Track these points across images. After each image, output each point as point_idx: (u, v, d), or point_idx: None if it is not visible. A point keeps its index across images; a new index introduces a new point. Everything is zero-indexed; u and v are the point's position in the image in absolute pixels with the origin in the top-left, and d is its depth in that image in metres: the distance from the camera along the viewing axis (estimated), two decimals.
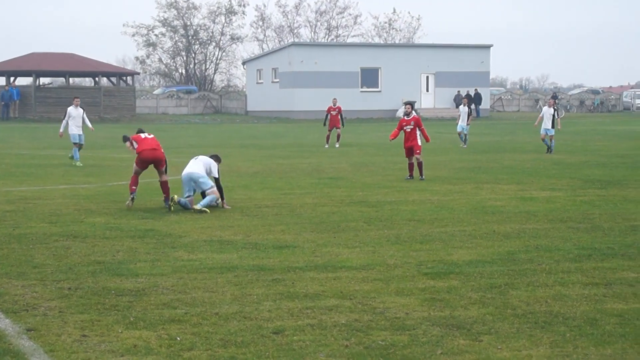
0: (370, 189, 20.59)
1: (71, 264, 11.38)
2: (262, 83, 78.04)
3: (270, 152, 34.55)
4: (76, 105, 28.71)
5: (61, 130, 28.75)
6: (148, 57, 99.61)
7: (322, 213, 16.31)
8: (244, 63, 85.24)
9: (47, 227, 14.53)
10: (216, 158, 17.60)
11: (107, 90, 71.13)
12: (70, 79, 75.03)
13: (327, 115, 38.04)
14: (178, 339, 7.97)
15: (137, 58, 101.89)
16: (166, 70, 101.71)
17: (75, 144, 28.29)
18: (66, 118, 28.52)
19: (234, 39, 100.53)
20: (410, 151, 22.69)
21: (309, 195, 19.19)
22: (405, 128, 22.92)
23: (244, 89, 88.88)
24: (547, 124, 32.49)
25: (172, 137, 45.89)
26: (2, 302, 9.29)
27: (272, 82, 75.78)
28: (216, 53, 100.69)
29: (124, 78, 74.88)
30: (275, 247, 12.68)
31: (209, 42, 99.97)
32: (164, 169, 17.35)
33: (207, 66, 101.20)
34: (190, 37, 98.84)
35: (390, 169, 25.89)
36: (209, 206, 16.54)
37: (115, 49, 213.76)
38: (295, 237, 13.62)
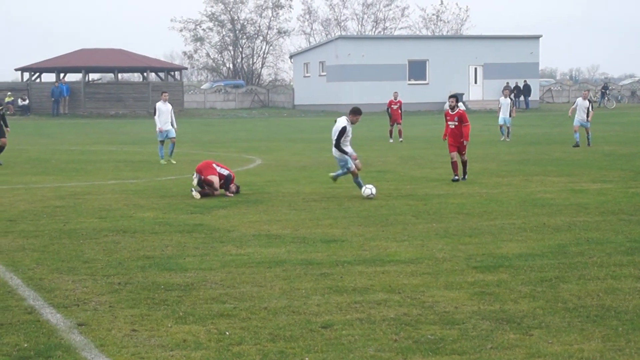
0: (418, 182, 20.50)
1: (121, 259, 11.47)
2: (309, 77, 78.08)
3: (318, 145, 34.54)
4: (164, 101, 27.19)
5: (159, 125, 26.74)
6: (196, 51, 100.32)
7: (370, 207, 16.26)
8: (291, 57, 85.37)
9: (97, 222, 14.67)
10: (350, 111, 17.99)
11: (155, 86, 71.72)
12: (119, 75, 75.79)
13: (388, 109, 37.48)
14: (227, 333, 7.99)
15: (184, 53, 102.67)
16: (214, 64, 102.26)
17: (161, 141, 26.97)
18: (157, 114, 26.94)
19: (281, 32, 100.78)
20: (454, 148, 20.48)
21: (357, 189, 19.13)
22: (449, 124, 20.74)
23: (291, 83, 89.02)
24: (582, 116, 31.71)
25: (221, 131, 46.18)
26: (53, 297, 9.39)
27: (320, 75, 75.79)
28: (263, 47, 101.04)
29: (172, 73, 75.45)
30: (323, 241, 12.66)
31: (256, 36, 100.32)
32: (211, 186, 18.01)
33: (255, 60, 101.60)
34: (237, 32, 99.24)
35: (438, 162, 25.75)
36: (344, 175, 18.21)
37: (163, 44, 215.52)
38: (343, 231, 13.60)
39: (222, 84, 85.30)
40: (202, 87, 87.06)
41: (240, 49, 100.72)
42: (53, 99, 67.03)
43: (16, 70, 73.90)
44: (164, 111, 26.97)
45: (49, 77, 73.47)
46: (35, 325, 8.27)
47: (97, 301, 9.20)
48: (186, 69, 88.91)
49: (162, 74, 75.13)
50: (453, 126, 20.72)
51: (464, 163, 20.63)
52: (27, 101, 67.61)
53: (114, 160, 28.31)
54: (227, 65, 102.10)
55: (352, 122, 17.79)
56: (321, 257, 11.45)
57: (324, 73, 74.91)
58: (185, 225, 14.19)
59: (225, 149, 33.45)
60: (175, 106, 70.57)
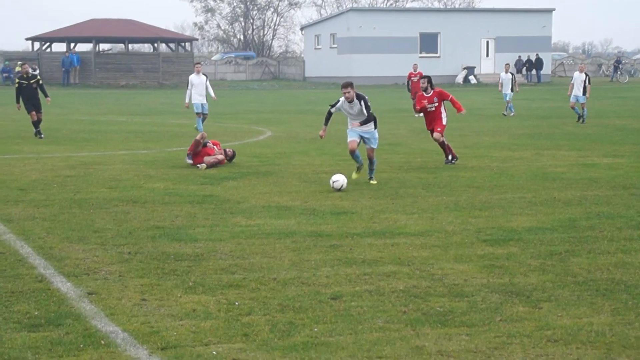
0: (429, 155, 20.45)
1: (131, 228, 11.50)
2: (320, 49, 77.80)
3: None
4: (198, 72, 26.24)
5: (187, 100, 26.24)
6: (206, 23, 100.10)
7: (380, 179, 16.23)
8: (302, 29, 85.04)
9: (107, 192, 14.70)
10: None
11: (165, 57, 71.60)
12: (130, 45, 75.65)
13: (408, 82, 36.81)
14: (236, 303, 8.00)
15: (195, 24, 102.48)
16: (224, 36, 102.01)
17: (198, 113, 26.16)
18: (189, 87, 26.06)
19: (292, 4, 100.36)
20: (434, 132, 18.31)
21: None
22: (428, 107, 18.29)
23: (302, 55, 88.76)
24: (577, 90, 30.70)
25: (231, 103, 46.11)
26: (64, 266, 9.42)
27: (330, 47, 75.50)
28: (274, 19, 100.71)
29: (183, 44, 75.26)
30: (333, 213, 12.66)
31: (267, 7, 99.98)
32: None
33: (265, 32, 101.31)
34: (248, 3, 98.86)
35: (448, 135, 25.63)
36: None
37: (173, 15, 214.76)
38: (353, 203, 13.59)
39: (233, 56, 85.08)
40: (212, 59, 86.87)
41: (251, 21, 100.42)
42: (63, 68, 67.01)
43: (27, 39, 73.83)
44: (198, 83, 26.01)
45: (59, 47, 73.38)
46: (46, 293, 8.30)
47: (107, 270, 9.23)
48: (197, 40, 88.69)
49: (172, 45, 74.95)
50: (433, 108, 18.29)
51: (442, 145, 18.38)
52: (37, 71, 67.49)
53: (125, 130, 28.32)
54: (238, 37, 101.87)
55: (346, 99, 15.53)
56: (331, 229, 11.45)
57: (335, 45, 74.61)
58: (195, 196, 14.20)
59: (236, 120, 33.42)
60: (186, 77, 70.57)
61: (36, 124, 25.12)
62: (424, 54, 72.03)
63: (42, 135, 25.00)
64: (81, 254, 10.02)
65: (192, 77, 26.22)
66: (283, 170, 17.56)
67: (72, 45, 71.07)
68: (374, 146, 16.01)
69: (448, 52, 72.22)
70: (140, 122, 32.79)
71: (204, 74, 26.52)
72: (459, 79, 71.22)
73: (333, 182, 14.95)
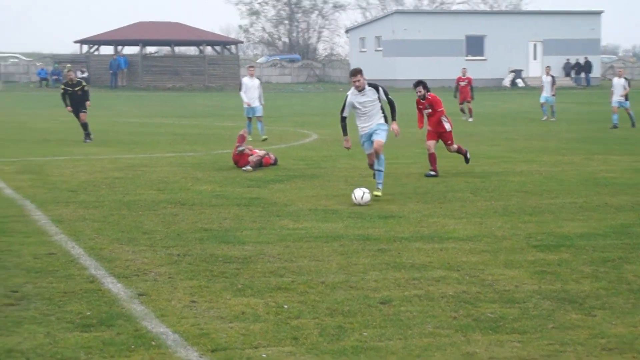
0: (476, 159, 20.25)
1: (179, 230, 11.54)
2: (365, 51, 77.74)
3: None
4: (251, 75, 25.99)
5: (245, 100, 25.57)
6: (251, 25, 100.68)
7: (428, 183, 16.15)
8: (347, 31, 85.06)
9: (156, 194, 14.78)
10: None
11: (211, 59, 72.06)
12: (176, 48, 76.23)
13: (456, 86, 36.19)
14: (285, 306, 7.98)
15: (240, 27, 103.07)
16: (269, 39, 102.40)
17: (249, 118, 25.75)
18: (242, 90, 25.68)
19: (337, 7, 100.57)
20: (432, 136, 17.51)
21: (414, 165, 19.04)
22: (425, 112, 17.77)
23: (347, 58, 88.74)
24: (618, 96, 30.20)
25: (276, 106, 46.23)
26: (114, 267, 9.48)
27: (376, 50, 75.42)
28: (319, 21, 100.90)
29: (228, 47, 75.68)
30: (380, 217, 12.60)
31: (312, 10, 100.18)
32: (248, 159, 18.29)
33: (310, 34, 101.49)
34: (293, 6, 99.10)
35: (496, 139, 25.49)
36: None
37: (219, 17, 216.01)
38: (400, 207, 13.51)
39: (278, 58, 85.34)
40: (258, 61, 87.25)
41: (296, 23, 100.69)
42: (111, 71, 67.77)
43: (75, 42, 74.76)
44: (251, 87, 25.61)
45: (107, 50, 74.25)
46: (97, 294, 8.36)
47: (157, 272, 9.27)
48: (242, 42, 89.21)
49: (218, 48, 75.39)
50: (430, 111, 17.65)
51: (458, 151, 17.79)
52: (86, 73, 68.33)
53: (171, 133, 28.51)
54: (283, 40, 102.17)
55: (356, 88, 14.23)
56: (378, 233, 11.39)
57: (380, 48, 74.52)
58: (242, 199, 14.23)
59: (281, 123, 33.49)
60: (231, 80, 71.13)
61: (84, 126, 25.03)
62: (470, 57, 71.65)
63: (88, 140, 24.77)
64: (131, 255, 10.07)
65: (246, 80, 26.00)
66: (329, 174, 17.54)
67: (120, 48, 71.81)
68: (382, 139, 14.20)
69: (495, 55, 71.75)
70: (186, 124, 32.99)
71: (257, 78, 26.16)
72: (506, 82, 70.75)
73: (357, 197, 13.66)
